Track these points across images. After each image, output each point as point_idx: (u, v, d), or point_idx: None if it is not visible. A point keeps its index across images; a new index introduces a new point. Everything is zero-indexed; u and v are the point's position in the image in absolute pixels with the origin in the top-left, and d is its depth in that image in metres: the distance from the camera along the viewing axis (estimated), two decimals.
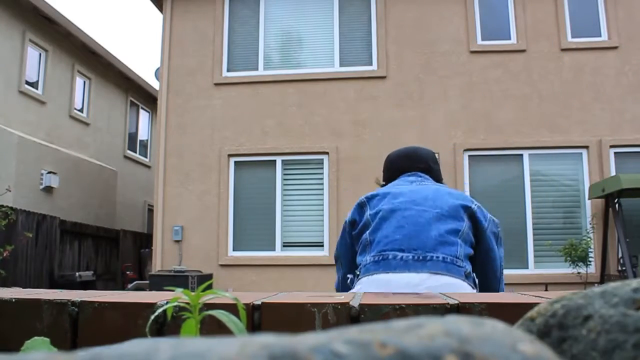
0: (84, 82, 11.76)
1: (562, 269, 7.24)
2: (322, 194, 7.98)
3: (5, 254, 6.46)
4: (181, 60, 8.56)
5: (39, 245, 8.83)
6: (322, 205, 7.91)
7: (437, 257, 1.53)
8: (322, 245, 7.79)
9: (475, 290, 1.58)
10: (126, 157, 13.20)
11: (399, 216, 1.62)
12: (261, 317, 0.70)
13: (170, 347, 0.23)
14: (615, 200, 6.83)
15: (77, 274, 9.38)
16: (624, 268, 6.68)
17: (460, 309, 0.70)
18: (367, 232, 1.66)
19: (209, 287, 0.53)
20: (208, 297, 0.49)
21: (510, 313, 0.67)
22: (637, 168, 7.51)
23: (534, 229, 7.61)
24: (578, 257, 7.01)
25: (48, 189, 9.72)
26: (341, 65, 8.36)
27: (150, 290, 6.49)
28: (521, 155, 7.82)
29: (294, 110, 8.26)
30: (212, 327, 0.67)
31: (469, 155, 7.87)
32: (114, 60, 12.27)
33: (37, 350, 0.53)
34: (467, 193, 7.37)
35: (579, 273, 7.08)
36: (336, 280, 1.86)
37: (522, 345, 0.24)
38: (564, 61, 7.97)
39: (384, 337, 0.23)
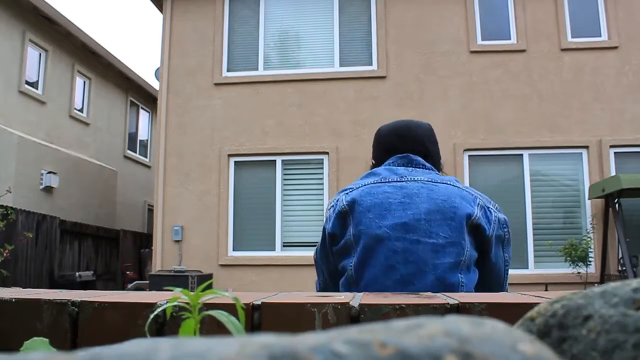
0: (84, 82, 11.76)
1: (562, 269, 7.24)
2: (322, 194, 7.98)
3: (5, 254, 6.46)
4: (181, 60, 8.56)
5: (39, 245, 8.83)
6: (322, 205, 7.91)
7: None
8: None
9: None
10: (126, 157, 13.20)
11: (388, 250, 1.34)
12: (261, 317, 0.70)
13: (170, 347, 0.23)
14: (615, 200, 6.83)
15: (77, 274, 9.38)
16: (624, 268, 6.68)
17: (460, 309, 0.70)
18: (351, 263, 1.39)
19: (209, 287, 0.53)
20: (208, 297, 0.49)
21: (510, 313, 0.67)
22: (637, 168, 7.51)
23: (534, 229, 7.61)
24: (578, 257, 7.01)
25: (48, 189, 9.72)
26: (341, 65, 8.36)
27: (150, 290, 6.49)
28: (521, 155, 7.82)
29: (294, 110, 8.26)
30: (211, 327, 0.67)
31: (469, 155, 7.87)
32: (114, 60, 12.28)
33: (36, 351, 0.53)
34: None
35: (579, 273, 7.08)
36: (317, 284, 1.62)
37: (522, 345, 0.24)
38: (564, 61, 7.97)
39: (384, 337, 0.23)
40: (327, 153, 8.06)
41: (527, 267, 7.48)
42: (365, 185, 1.47)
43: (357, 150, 7.92)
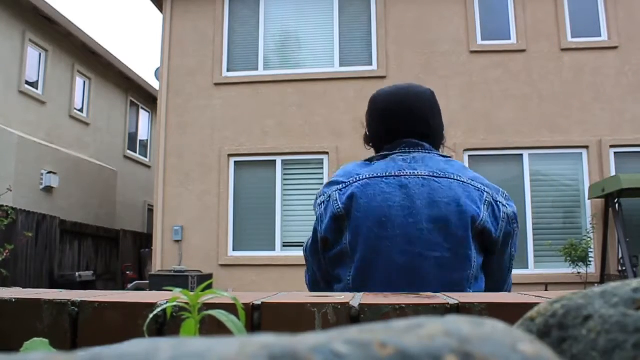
0: (84, 82, 11.76)
1: (562, 269, 7.24)
2: None
3: (5, 254, 6.46)
4: (181, 60, 8.56)
5: (39, 245, 8.83)
6: None
7: None
8: None
9: None
10: (126, 157, 13.20)
11: (388, 265, 1.21)
12: (261, 317, 0.70)
13: (170, 347, 0.23)
14: (615, 200, 6.83)
15: (77, 274, 9.38)
16: (624, 268, 6.68)
17: (460, 309, 0.70)
18: (348, 275, 1.26)
19: (209, 287, 0.53)
20: (207, 297, 0.49)
21: (510, 313, 0.67)
22: (637, 168, 7.51)
23: (534, 229, 7.61)
24: (578, 257, 7.01)
25: (48, 189, 9.72)
26: (341, 65, 8.36)
27: (150, 290, 6.49)
28: (521, 155, 7.82)
29: (294, 110, 8.26)
30: (211, 327, 0.67)
31: (469, 155, 7.87)
32: (114, 60, 12.28)
33: (36, 351, 0.54)
34: None
35: (579, 273, 7.08)
36: (306, 279, 1.50)
37: (522, 345, 0.24)
38: (564, 61, 7.97)
39: (384, 337, 0.23)
40: (327, 153, 8.06)
41: (527, 267, 7.48)
42: (359, 180, 1.30)
43: (357, 150, 7.89)
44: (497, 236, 1.26)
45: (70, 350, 0.36)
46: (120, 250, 11.21)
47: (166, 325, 0.69)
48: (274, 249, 7.94)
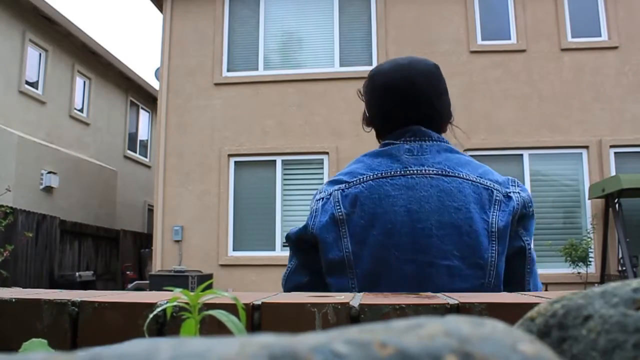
0: (84, 82, 11.76)
1: (562, 269, 7.23)
2: None
3: (5, 254, 6.46)
4: (181, 60, 8.56)
5: (39, 245, 8.83)
6: None
7: None
8: None
9: None
10: (126, 157, 13.20)
11: (396, 275, 1.13)
12: (261, 317, 0.70)
13: (171, 347, 0.23)
14: (615, 200, 6.83)
15: (77, 274, 9.39)
16: (624, 268, 6.68)
17: (460, 309, 0.70)
18: (352, 285, 1.16)
19: (209, 287, 0.53)
20: (208, 297, 0.49)
21: (510, 313, 0.67)
22: (637, 168, 7.51)
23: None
24: (578, 257, 7.01)
25: (48, 189, 9.73)
26: (341, 65, 8.37)
27: (150, 290, 6.49)
28: (521, 155, 7.82)
29: (294, 110, 8.26)
30: (212, 327, 0.67)
31: (469, 155, 7.86)
32: (114, 60, 12.28)
33: (35, 351, 0.54)
34: None
35: (579, 273, 7.08)
36: (284, 274, 1.30)
37: (522, 345, 0.24)
38: (564, 61, 7.97)
39: (384, 337, 0.23)
40: (327, 153, 8.06)
41: None
42: (363, 182, 1.20)
43: (357, 150, 7.89)
44: (513, 219, 1.17)
45: (70, 351, 0.36)
46: (120, 250, 11.21)
47: (166, 325, 0.69)
48: (274, 249, 7.94)
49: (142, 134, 14.36)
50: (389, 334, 0.24)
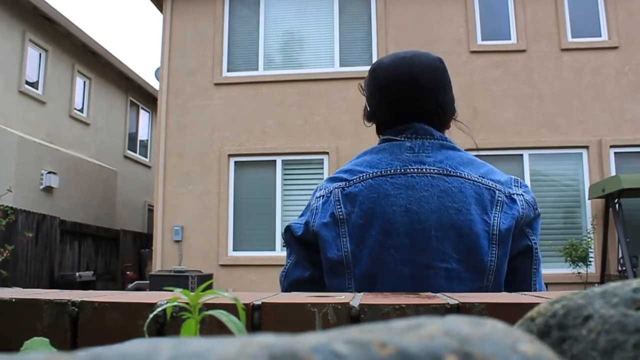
0: (84, 82, 11.76)
1: (562, 269, 7.23)
2: None
3: (5, 254, 6.46)
4: (181, 60, 8.56)
5: (39, 245, 8.83)
6: None
7: None
8: None
9: None
10: (126, 157, 13.21)
11: (393, 276, 1.11)
12: (261, 317, 0.70)
13: (171, 347, 0.23)
14: (616, 201, 6.83)
15: (77, 274, 9.39)
16: (624, 268, 6.68)
17: (460, 309, 0.70)
18: (348, 285, 1.14)
19: (209, 287, 0.53)
20: (208, 297, 0.49)
21: (510, 313, 0.67)
22: (637, 168, 7.51)
23: None
24: (578, 257, 7.01)
25: (48, 189, 9.73)
26: (341, 65, 8.37)
27: (151, 290, 6.49)
28: (521, 155, 7.82)
29: (294, 110, 8.26)
30: (212, 327, 0.67)
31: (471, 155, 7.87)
32: (114, 60, 12.28)
33: (36, 351, 0.54)
34: None
35: (579, 273, 7.08)
36: (281, 272, 1.27)
37: (522, 345, 0.24)
38: (564, 61, 7.97)
39: (384, 337, 0.23)
40: (327, 153, 8.06)
41: None
42: (363, 180, 1.18)
43: (357, 150, 7.86)
44: (517, 224, 1.14)
45: (70, 350, 0.36)
46: (120, 250, 11.21)
47: (166, 325, 0.69)
48: (274, 249, 7.94)
49: (142, 134, 14.36)
50: (389, 334, 0.24)
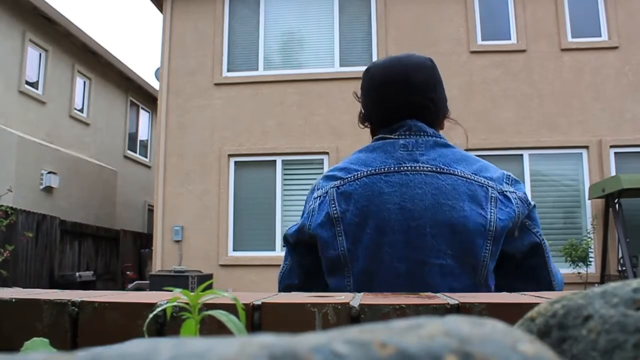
0: (84, 82, 11.76)
1: (562, 269, 7.20)
2: None
3: (5, 254, 6.46)
4: (181, 60, 8.56)
5: (39, 245, 8.83)
6: None
7: None
8: None
9: None
10: (126, 157, 13.20)
11: (390, 274, 1.13)
12: (261, 317, 0.70)
13: (171, 347, 0.23)
14: (616, 201, 6.83)
15: (77, 274, 9.39)
16: (624, 268, 6.68)
17: (461, 309, 0.70)
18: (346, 283, 1.16)
19: (209, 287, 0.53)
20: (208, 297, 0.49)
21: (510, 313, 0.67)
22: (637, 168, 7.51)
23: None
24: (578, 257, 7.02)
25: (48, 189, 9.72)
26: (341, 65, 8.37)
27: (150, 290, 6.49)
28: (521, 155, 7.82)
29: (294, 110, 8.26)
30: (212, 327, 0.67)
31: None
32: (114, 60, 12.28)
33: (36, 351, 0.54)
34: None
35: (579, 273, 7.08)
36: (281, 269, 1.33)
37: (522, 345, 0.24)
38: (564, 61, 7.97)
39: (384, 337, 0.23)
40: (327, 153, 8.06)
41: None
42: (358, 179, 1.19)
43: None
44: (514, 224, 1.16)
45: (70, 350, 0.36)
46: (120, 250, 11.21)
47: (166, 325, 0.69)
48: (274, 249, 7.94)
49: (142, 134, 14.36)
50: (389, 334, 0.24)
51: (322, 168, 8.09)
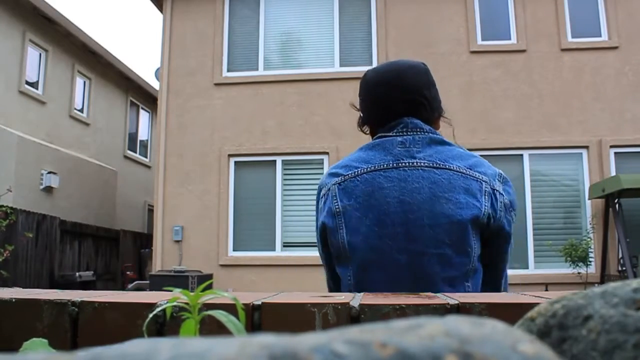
0: (84, 82, 11.76)
1: (562, 269, 7.23)
2: None
3: (5, 254, 6.46)
4: (181, 60, 8.56)
5: (39, 245, 8.83)
6: None
7: None
8: None
9: None
10: (126, 157, 13.20)
11: (391, 264, 1.19)
12: (261, 317, 0.70)
13: (171, 347, 0.23)
14: (616, 201, 6.83)
15: (77, 274, 9.38)
16: (624, 268, 6.68)
17: (460, 309, 0.70)
18: (349, 275, 1.24)
19: (209, 287, 0.53)
20: (207, 297, 0.49)
21: (510, 313, 0.67)
22: (637, 168, 7.51)
23: (534, 229, 7.60)
24: (578, 257, 7.01)
25: (48, 189, 9.72)
26: (341, 65, 8.36)
27: (150, 290, 6.49)
28: (521, 155, 7.82)
29: (294, 110, 8.26)
30: (212, 328, 0.67)
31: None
32: (114, 60, 12.28)
33: (35, 351, 0.54)
34: None
35: (579, 273, 7.08)
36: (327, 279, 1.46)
37: (522, 345, 0.24)
38: (564, 61, 7.97)
39: (384, 337, 0.23)
40: (327, 153, 8.06)
41: (527, 267, 7.48)
42: (358, 175, 1.26)
43: None
44: (496, 225, 1.23)
45: (70, 350, 0.36)
46: (120, 250, 11.21)
47: (166, 325, 0.69)
48: (274, 249, 7.94)
49: (142, 134, 14.36)
50: (389, 334, 0.24)
51: (322, 168, 8.08)
